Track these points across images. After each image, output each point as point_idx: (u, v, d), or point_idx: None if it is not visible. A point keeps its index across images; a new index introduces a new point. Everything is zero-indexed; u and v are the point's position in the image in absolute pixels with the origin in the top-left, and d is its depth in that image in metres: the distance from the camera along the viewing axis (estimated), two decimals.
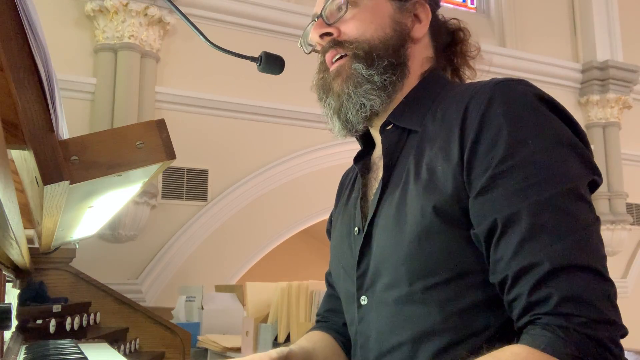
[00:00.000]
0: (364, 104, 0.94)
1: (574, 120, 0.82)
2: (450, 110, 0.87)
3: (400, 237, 0.85)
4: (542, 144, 0.77)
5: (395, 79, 0.95)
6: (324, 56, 0.99)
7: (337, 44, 0.97)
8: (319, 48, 1.01)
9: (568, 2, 6.65)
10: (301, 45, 1.09)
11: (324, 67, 1.00)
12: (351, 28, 0.96)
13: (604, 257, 0.74)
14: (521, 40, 6.19)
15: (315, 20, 1.00)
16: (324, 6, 0.98)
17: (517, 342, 0.73)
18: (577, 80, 6.40)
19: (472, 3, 6.49)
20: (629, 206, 6.28)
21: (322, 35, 0.98)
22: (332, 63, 0.98)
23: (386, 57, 0.95)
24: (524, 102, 0.80)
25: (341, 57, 0.97)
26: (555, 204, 0.74)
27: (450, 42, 1.04)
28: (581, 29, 6.54)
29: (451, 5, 6.19)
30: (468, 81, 1.05)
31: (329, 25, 0.98)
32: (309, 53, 1.08)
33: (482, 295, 0.81)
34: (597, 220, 0.77)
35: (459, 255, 0.81)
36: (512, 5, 6.27)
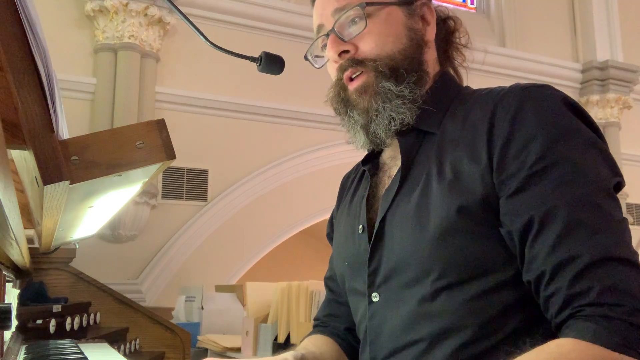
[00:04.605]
0: (393, 118, 0.93)
1: (595, 124, 0.85)
2: (474, 113, 0.88)
3: (422, 235, 0.85)
4: (573, 145, 0.79)
5: (422, 88, 0.95)
6: (342, 73, 0.96)
7: (357, 62, 0.94)
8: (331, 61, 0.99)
9: (568, 2, 6.66)
10: (307, 59, 1.06)
11: (340, 84, 0.97)
12: (369, 44, 0.94)
13: (636, 252, 0.76)
14: (521, 40, 6.19)
15: (326, 35, 0.97)
16: (336, 20, 0.95)
17: (542, 339, 0.73)
18: (577, 80, 6.40)
19: (472, 3, 6.50)
20: (629, 206, 6.29)
21: (340, 54, 0.95)
22: (351, 80, 0.95)
23: (413, 71, 0.94)
24: (553, 106, 0.82)
25: (361, 73, 0.94)
26: (591, 201, 0.76)
27: (444, 33, 1.03)
28: (581, 29, 6.54)
29: (451, 6, 6.19)
30: (460, 68, 1.05)
31: (345, 41, 0.95)
32: (320, 68, 1.06)
33: (503, 295, 0.81)
34: (626, 219, 0.79)
35: (483, 254, 0.82)
36: (512, 5, 6.28)
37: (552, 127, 0.80)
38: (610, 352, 0.67)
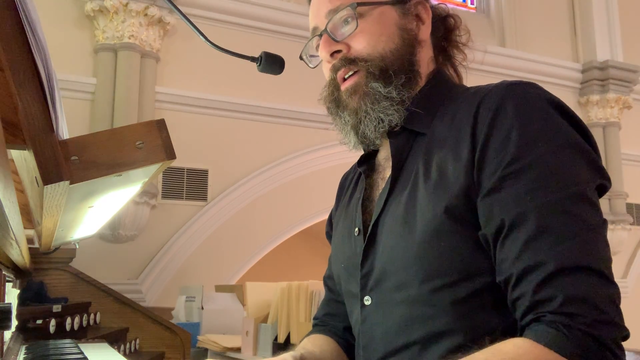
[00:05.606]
0: (382, 119, 0.93)
1: (582, 125, 0.83)
2: (460, 112, 0.87)
3: (410, 238, 0.85)
4: (551, 147, 0.78)
5: (411, 89, 0.95)
6: (336, 74, 0.97)
7: (350, 61, 0.94)
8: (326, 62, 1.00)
9: (568, 2, 6.65)
10: (302, 59, 1.07)
11: (334, 84, 0.98)
12: (361, 44, 0.94)
13: (609, 260, 0.75)
14: (521, 40, 6.19)
15: (319, 36, 0.98)
16: (328, 21, 0.96)
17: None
18: (577, 80, 6.40)
19: (472, 3, 6.49)
20: (629, 206, 6.28)
21: (332, 54, 0.96)
22: (344, 80, 0.96)
23: (402, 72, 0.94)
24: (534, 105, 0.81)
25: (354, 73, 0.95)
26: (563, 207, 0.75)
27: (443, 32, 1.03)
28: (581, 29, 6.54)
29: (451, 5, 6.19)
30: (460, 67, 1.05)
31: (337, 41, 0.95)
32: (314, 67, 1.07)
33: (491, 296, 0.81)
34: (603, 224, 0.78)
35: (469, 256, 0.82)
36: (512, 5, 6.27)
37: (531, 128, 0.79)
38: None
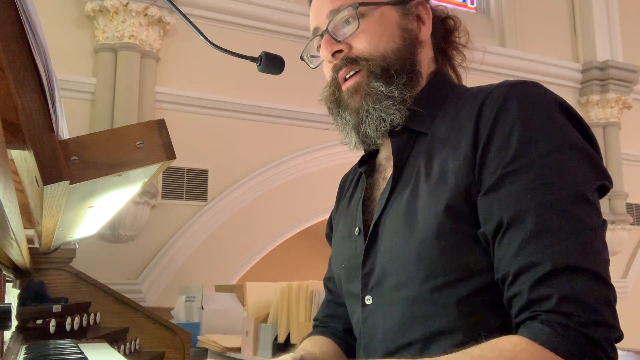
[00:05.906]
0: (383, 119, 0.93)
1: (585, 125, 0.83)
2: (463, 111, 0.87)
3: (411, 237, 0.85)
4: (552, 146, 0.78)
5: (413, 89, 0.95)
6: (337, 73, 0.97)
7: (351, 61, 0.95)
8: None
9: (568, 2, 6.66)
10: (303, 60, 1.08)
11: (335, 84, 0.98)
12: (363, 43, 0.94)
13: (606, 262, 0.75)
14: (521, 40, 6.19)
15: (320, 36, 0.98)
16: (330, 21, 0.96)
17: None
18: (577, 80, 6.40)
19: (472, 3, 6.49)
20: (629, 206, 6.29)
21: (334, 53, 0.96)
22: (345, 79, 0.96)
23: (404, 72, 0.94)
24: (537, 104, 0.81)
25: (355, 73, 0.95)
26: (561, 206, 0.75)
27: (442, 33, 1.04)
28: (581, 29, 6.54)
29: (451, 5, 6.19)
30: (460, 68, 1.05)
31: (339, 41, 0.96)
32: (315, 67, 1.07)
33: (491, 295, 0.81)
34: (602, 225, 0.78)
35: (470, 254, 0.82)
36: (512, 5, 6.28)
37: (532, 127, 0.79)
38: (559, 359, 0.69)
